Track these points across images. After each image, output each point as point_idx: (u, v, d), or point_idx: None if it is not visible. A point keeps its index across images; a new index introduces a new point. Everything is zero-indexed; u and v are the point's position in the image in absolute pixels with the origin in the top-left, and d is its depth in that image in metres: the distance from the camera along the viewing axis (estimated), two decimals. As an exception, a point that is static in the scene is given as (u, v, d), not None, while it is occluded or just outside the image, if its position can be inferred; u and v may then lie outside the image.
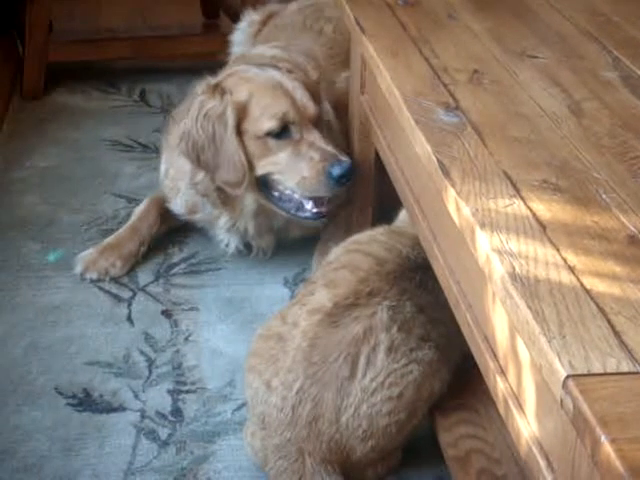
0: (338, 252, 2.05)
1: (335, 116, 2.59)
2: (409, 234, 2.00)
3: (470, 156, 1.54)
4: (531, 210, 1.37)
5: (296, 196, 2.37)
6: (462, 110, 1.70)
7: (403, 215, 2.14)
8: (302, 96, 2.35)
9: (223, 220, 2.55)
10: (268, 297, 2.50)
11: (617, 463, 0.93)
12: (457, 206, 1.42)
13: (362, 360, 1.80)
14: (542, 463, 1.21)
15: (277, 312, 2.01)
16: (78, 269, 2.55)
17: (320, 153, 2.31)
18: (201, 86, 2.41)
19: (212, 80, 2.43)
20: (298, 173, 2.32)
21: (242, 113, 2.33)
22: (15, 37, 3.69)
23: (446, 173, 1.49)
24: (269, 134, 2.33)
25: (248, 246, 2.63)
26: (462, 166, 1.51)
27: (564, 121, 1.65)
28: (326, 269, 2.00)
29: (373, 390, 1.79)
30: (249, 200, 2.47)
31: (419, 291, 1.91)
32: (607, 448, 0.95)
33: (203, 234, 2.73)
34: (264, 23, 3.08)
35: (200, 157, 2.37)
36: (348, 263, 1.95)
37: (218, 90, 2.36)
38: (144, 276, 2.57)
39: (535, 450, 1.23)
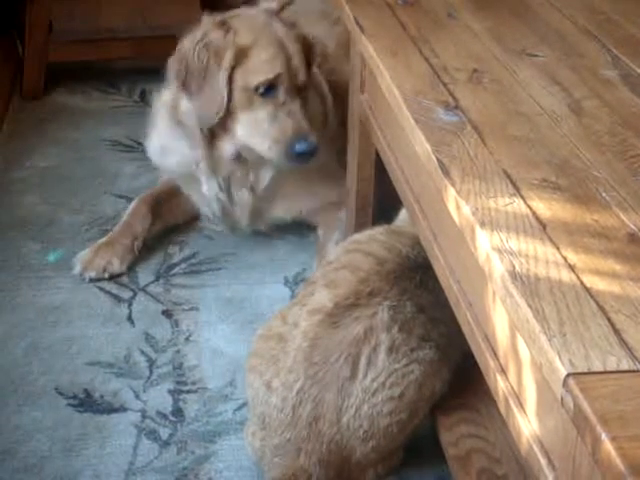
0: (338, 252, 2.05)
1: (334, 105, 2.63)
2: (409, 233, 2.00)
3: (470, 155, 1.54)
4: (531, 209, 1.37)
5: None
6: (462, 109, 1.70)
7: (403, 214, 2.14)
8: (298, 62, 2.42)
9: (203, 164, 2.57)
10: (268, 297, 2.50)
11: (618, 461, 0.93)
12: (457, 205, 1.42)
13: (363, 360, 1.79)
14: (543, 461, 1.21)
15: (278, 312, 2.01)
16: (77, 269, 2.55)
17: (293, 123, 2.37)
18: (208, 17, 2.45)
19: (220, 15, 2.47)
20: (268, 137, 2.39)
21: (240, 58, 2.39)
22: (15, 37, 3.69)
23: (446, 172, 1.49)
24: (257, 89, 2.38)
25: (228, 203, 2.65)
26: (462, 165, 1.50)
27: (564, 120, 1.65)
28: (326, 269, 2.00)
29: (374, 390, 1.78)
30: (226, 147, 2.51)
31: (419, 291, 1.90)
32: (608, 446, 0.95)
33: (204, 234, 2.73)
34: (281, 10, 3.10)
35: (187, 80, 2.43)
36: (348, 263, 1.95)
37: (224, 26, 2.40)
38: (144, 276, 2.57)
39: (536, 448, 1.23)
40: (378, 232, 2.07)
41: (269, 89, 2.39)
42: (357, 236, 2.10)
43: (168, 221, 2.75)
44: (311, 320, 1.85)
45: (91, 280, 2.54)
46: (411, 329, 1.85)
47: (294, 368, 1.81)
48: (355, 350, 1.80)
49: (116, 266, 2.56)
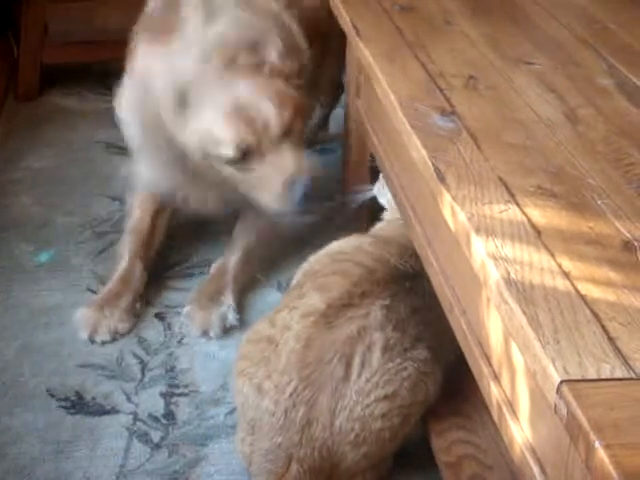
0: (324, 261, 2.02)
1: (305, 37, 2.42)
2: (396, 242, 1.99)
3: (466, 161, 1.54)
4: (526, 216, 1.37)
5: None
6: (458, 115, 1.70)
7: (388, 217, 2.12)
8: (269, 111, 2.19)
9: None
10: (261, 301, 2.50)
11: (611, 469, 0.93)
12: (452, 211, 1.42)
13: (357, 360, 1.78)
14: (535, 469, 1.21)
15: (264, 317, 1.99)
16: (84, 335, 2.33)
17: (282, 173, 2.20)
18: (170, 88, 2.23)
19: (180, 80, 2.21)
20: (263, 190, 2.24)
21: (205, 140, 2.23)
22: (10, 38, 3.68)
23: (442, 178, 1.49)
24: (229, 162, 2.22)
25: None
26: (457, 171, 1.51)
27: (559, 127, 1.66)
28: (313, 277, 1.98)
29: (368, 391, 1.77)
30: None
31: (410, 295, 1.90)
32: (601, 454, 0.95)
33: (197, 238, 2.73)
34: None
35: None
36: (338, 270, 1.94)
37: (182, 103, 2.21)
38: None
39: (528, 456, 1.23)
40: (366, 242, 2.04)
41: (244, 156, 2.20)
42: (342, 245, 2.05)
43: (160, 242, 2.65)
44: (304, 322, 1.83)
45: (103, 343, 2.32)
46: (405, 329, 1.84)
47: (287, 370, 1.79)
48: (349, 350, 1.79)
49: (124, 324, 2.37)
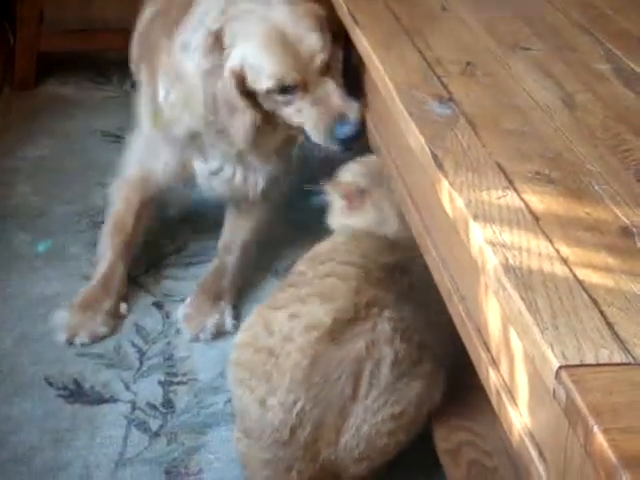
0: (308, 264, 1.97)
1: None
2: (367, 237, 1.97)
3: (463, 148, 1.54)
4: (524, 201, 1.37)
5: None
6: (455, 102, 1.69)
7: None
8: (310, 44, 2.17)
9: None
10: (258, 288, 2.50)
11: (609, 453, 0.93)
12: (450, 198, 1.42)
13: (365, 379, 1.74)
14: (534, 454, 1.21)
15: (257, 314, 1.92)
16: (63, 337, 2.29)
17: (327, 109, 2.16)
18: (201, 35, 2.22)
19: (212, 26, 2.20)
20: (309, 127, 2.20)
21: (240, 77, 2.17)
22: (6, 27, 3.67)
23: (439, 165, 1.49)
24: (270, 92, 2.17)
25: None
26: (455, 158, 1.50)
27: (557, 113, 1.65)
28: (304, 278, 1.92)
29: (376, 410, 1.74)
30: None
31: (409, 290, 1.88)
32: (600, 438, 0.95)
33: (194, 226, 2.73)
34: None
35: (216, 115, 2.24)
36: (332, 272, 1.88)
37: (217, 47, 2.18)
38: (135, 267, 2.56)
39: (527, 441, 1.23)
40: (339, 242, 2.01)
41: (287, 87, 2.16)
42: (320, 248, 2.02)
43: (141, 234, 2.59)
44: (308, 337, 1.76)
45: (82, 346, 2.28)
46: (411, 336, 1.80)
47: (293, 388, 1.73)
48: (358, 368, 1.75)
49: (105, 328, 2.33)
